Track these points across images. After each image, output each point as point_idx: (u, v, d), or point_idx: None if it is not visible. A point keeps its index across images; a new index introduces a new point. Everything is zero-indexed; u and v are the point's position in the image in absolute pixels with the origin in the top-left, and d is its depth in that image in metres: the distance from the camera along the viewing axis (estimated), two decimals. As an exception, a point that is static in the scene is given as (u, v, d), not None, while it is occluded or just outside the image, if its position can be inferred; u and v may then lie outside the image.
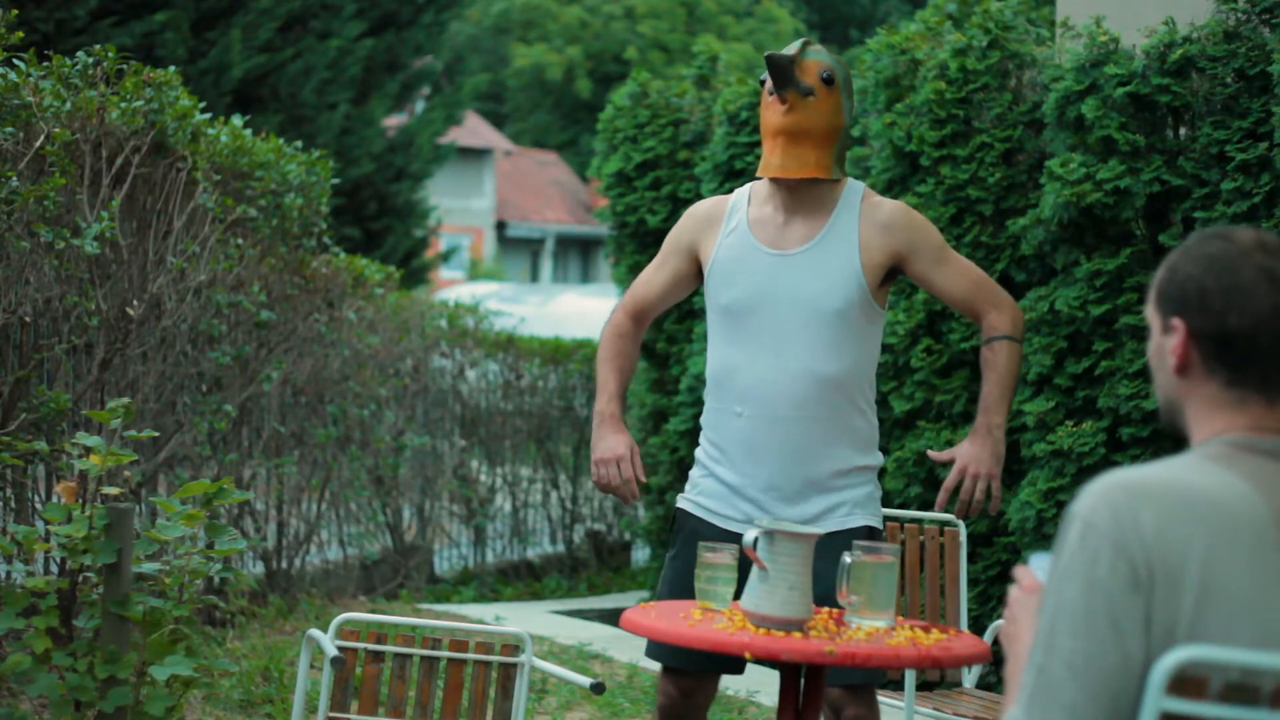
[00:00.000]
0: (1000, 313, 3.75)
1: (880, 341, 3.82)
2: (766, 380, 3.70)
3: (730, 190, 7.28)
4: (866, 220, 3.72)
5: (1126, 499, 1.93)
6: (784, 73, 3.70)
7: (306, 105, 14.27)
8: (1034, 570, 2.14)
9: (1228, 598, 1.89)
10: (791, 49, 3.74)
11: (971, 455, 3.70)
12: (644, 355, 8.22)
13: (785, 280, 3.71)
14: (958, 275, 3.75)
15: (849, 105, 3.76)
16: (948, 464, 3.90)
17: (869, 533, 3.72)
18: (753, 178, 7.28)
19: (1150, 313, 2.13)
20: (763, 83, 3.78)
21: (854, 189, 3.77)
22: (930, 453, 3.85)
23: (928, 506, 6.21)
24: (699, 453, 3.88)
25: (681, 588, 3.66)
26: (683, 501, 3.86)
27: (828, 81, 3.72)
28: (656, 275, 3.89)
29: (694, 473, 3.87)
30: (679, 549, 3.78)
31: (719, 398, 3.78)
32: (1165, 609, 1.90)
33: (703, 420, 3.87)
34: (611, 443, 3.74)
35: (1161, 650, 1.88)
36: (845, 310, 3.68)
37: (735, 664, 3.79)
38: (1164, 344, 2.10)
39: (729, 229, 3.79)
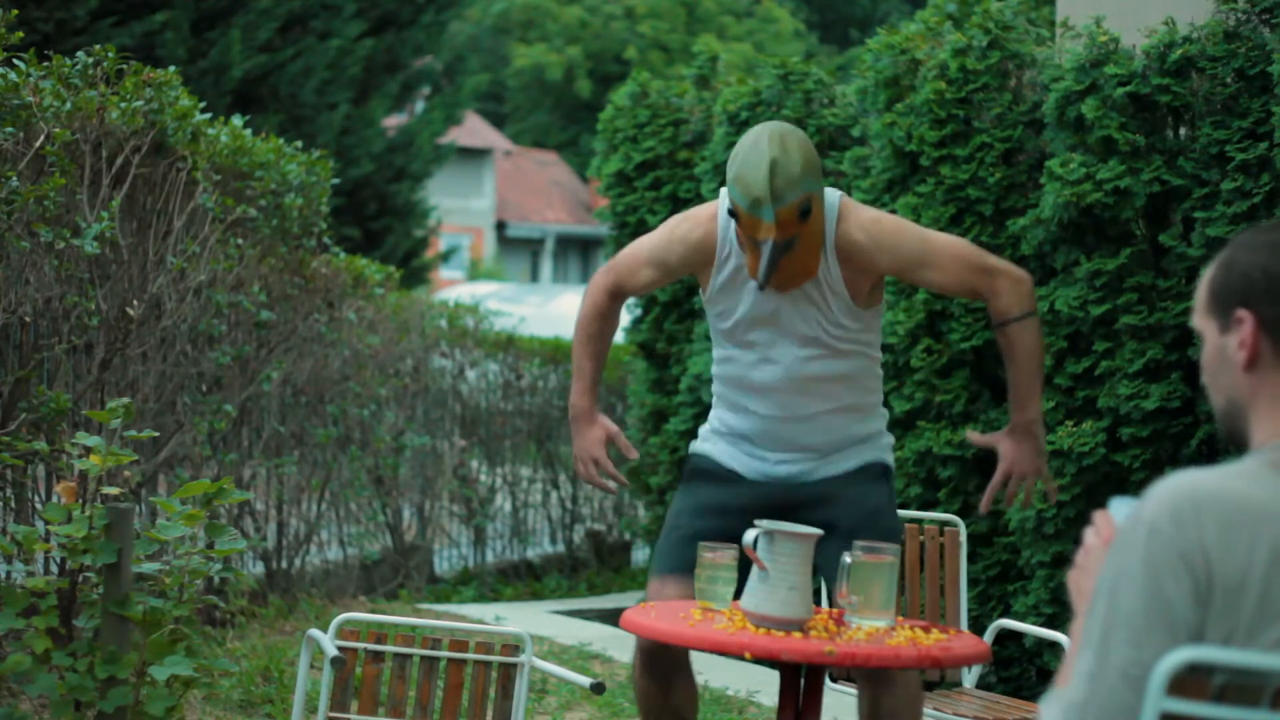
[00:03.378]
0: (1006, 296, 3.64)
1: (882, 313, 3.81)
2: (776, 388, 3.76)
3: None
4: (842, 255, 3.64)
5: (1193, 508, 1.89)
6: (778, 256, 3.53)
7: (306, 105, 14.27)
8: (1115, 518, 2.08)
9: None
10: (768, 215, 3.46)
11: (1015, 457, 3.70)
12: (644, 355, 8.23)
13: (782, 314, 3.70)
14: (946, 269, 3.64)
15: (822, 183, 3.58)
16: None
17: (884, 469, 3.82)
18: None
19: (1201, 319, 2.07)
20: (733, 214, 3.55)
21: (829, 213, 3.64)
22: (971, 435, 3.78)
23: (928, 506, 6.21)
24: (714, 420, 3.91)
25: (686, 518, 3.75)
26: (699, 446, 3.93)
27: (805, 215, 3.54)
28: (643, 271, 3.82)
29: (707, 430, 3.92)
30: (689, 484, 3.87)
31: (731, 392, 3.84)
32: (1222, 622, 1.87)
33: (715, 400, 3.91)
34: (586, 441, 3.80)
35: None
36: (844, 331, 3.71)
37: None
38: (1225, 344, 2.04)
39: (722, 261, 3.71)
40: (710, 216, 3.74)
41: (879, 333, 3.82)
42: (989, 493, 3.72)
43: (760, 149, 3.49)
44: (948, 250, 3.66)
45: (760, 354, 3.74)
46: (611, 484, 3.83)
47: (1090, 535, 2.09)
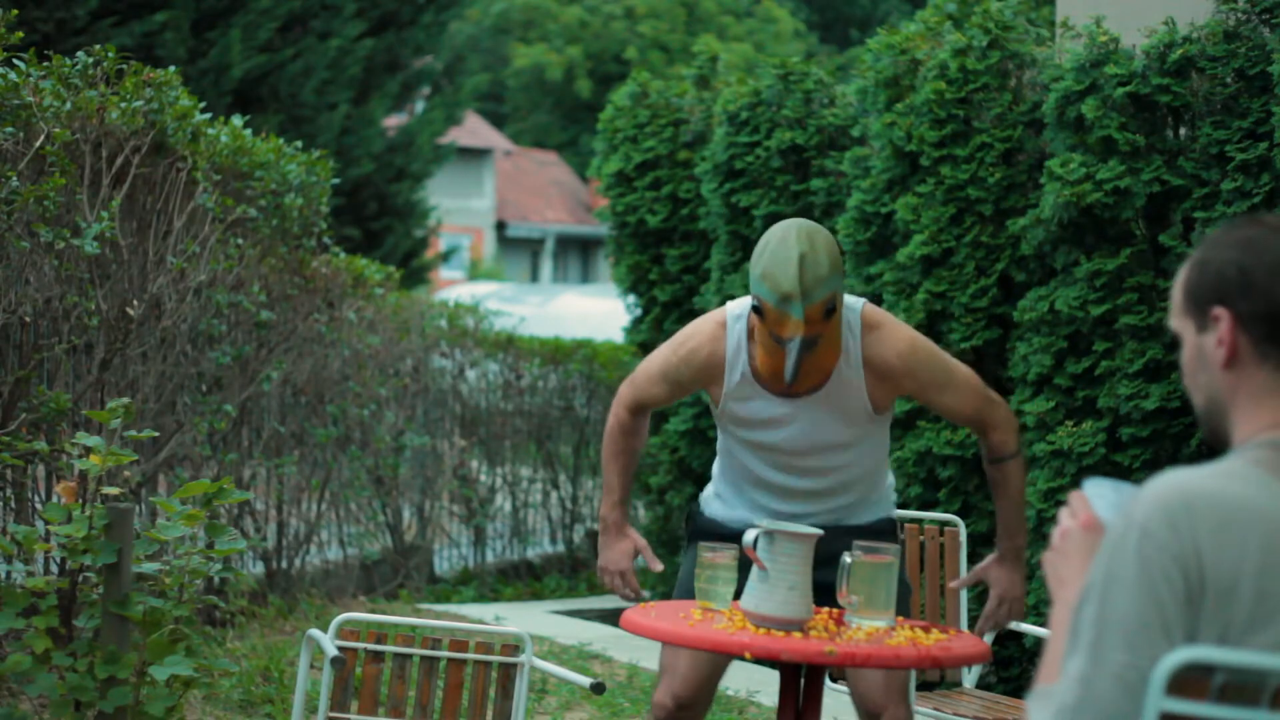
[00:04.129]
0: (1004, 431, 3.75)
1: (892, 414, 3.85)
2: (784, 488, 3.79)
3: (729, 191, 7.30)
4: (870, 368, 3.66)
5: (1185, 509, 1.88)
6: (804, 354, 3.52)
7: (306, 105, 14.26)
8: (1091, 500, 2.06)
9: None
10: (797, 312, 3.46)
11: (1008, 582, 3.79)
12: (644, 355, 8.24)
13: (801, 421, 3.70)
14: (961, 397, 3.72)
15: (843, 281, 3.57)
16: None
17: (890, 525, 3.88)
18: (751, 178, 7.31)
19: (1178, 320, 2.06)
20: (757, 310, 3.54)
21: (852, 321, 3.65)
22: (953, 584, 3.90)
23: (928, 506, 6.21)
24: (718, 490, 3.92)
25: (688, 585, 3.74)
26: (705, 507, 3.95)
27: (831, 312, 3.54)
28: (657, 388, 3.83)
29: (711, 496, 3.94)
30: (696, 544, 3.86)
31: (744, 487, 3.85)
32: (1215, 622, 1.87)
33: (720, 477, 3.91)
34: (614, 554, 3.83)
35: None
36: (861, 437, 3.75)
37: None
38: (1203, 343, 2.03)
39: (734, 379, 3.71)
40: (713, 335, 3.73)
41: (888, 427, 3.86)
42: (985, 621, 3.81)
43: (789, 245, 3.49)
44: (965, 379, 3.74)
45: (769, 459, 3.77)
46: (636, 593, 3.84)
47: (1065, 517, 2.08)
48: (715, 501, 3.91)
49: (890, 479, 3.94)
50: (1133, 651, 1.86)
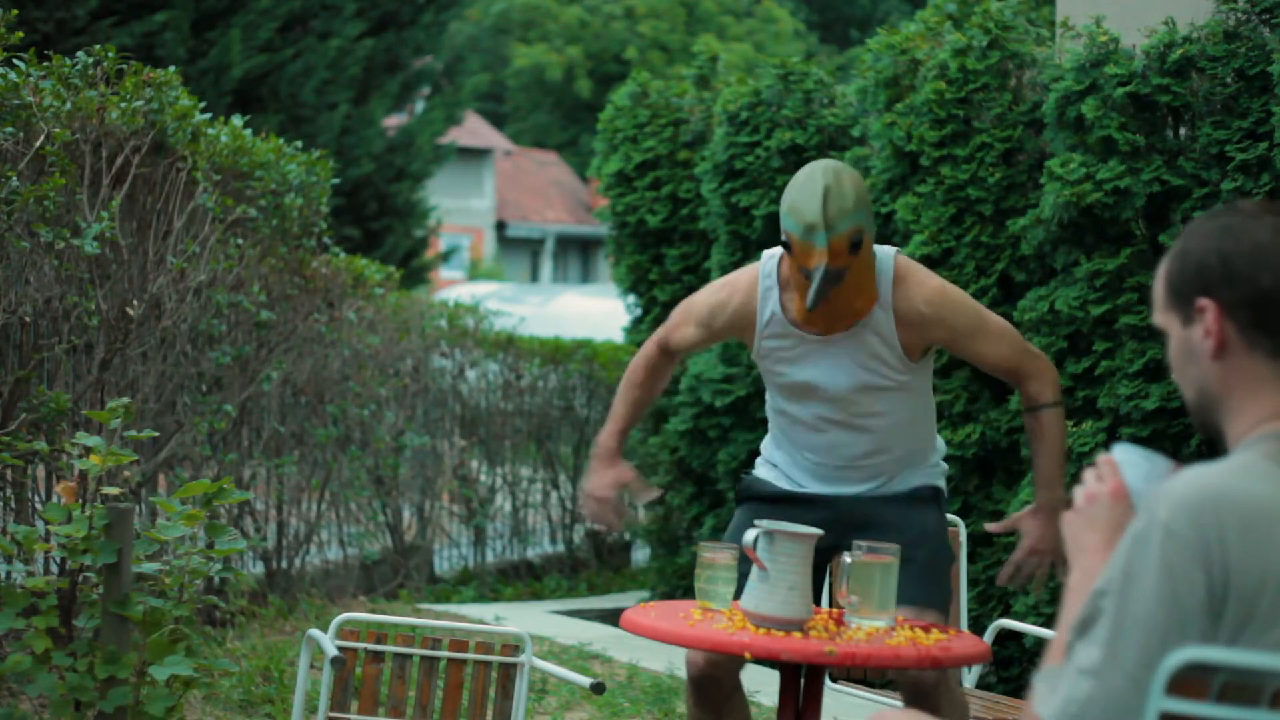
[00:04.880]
0: (1042, 380, 3.74)
1: (933, 360, 3.86)
2: (829, 440, 3.81)
3: (729, 191, 7.30)
4: (901, 316, 3.68)
5: (1212, 510, 1.86)
6: (828, 285, 3.56)
7: (306, 105, 14.27)
8: (1121, 467, 2.04)
9: None
10: (821, 240, 3.49)
11: (1040, 534, 3.74)
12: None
13: (831, 361, 3.73)
14: (994, 346, 3.73)
15: (872, 222, 3.61)
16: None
17: (934, 493, 3.86)
18: (751, 178, 7.31)
19: (1162, 315, 2.05)
20: (784, 244, 3.60)
21: (884, 269, 3.69)
22: (990, 526, 3.87)
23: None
24: (768, 454, 3.96)
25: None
26: (756, 471, 3.99)
27: (857, 246, 3.56)
28: (689, 329, 3.89)
29: (763, 460, 3.98)
30: (745, 505, 3.92)
31: (785, 438, 3.89)
32: (1233, 622, 1.86)
33: (769, 438, 3.96)
34: (597, 480, 3.83)
35: None
36: (892, 383, 3.75)
37: None
38: (1190, 336, 2.02)
39: (765, 321, 3.76)
40: (750, 283, 3.80)
41: (930, 378, 3.86)
42: (1010, 566, 3.77)
43: (814, 178, 3.55)
44: (999, 328, 3.76)
45: (813, 407, 3.79)
46: (613, 523, 3.86)
47: (1092, 480, 2.06)
48: (765, 467, 3.95)
49: (940, 448, 3.94)
50: (1148, 652, 1.86)
